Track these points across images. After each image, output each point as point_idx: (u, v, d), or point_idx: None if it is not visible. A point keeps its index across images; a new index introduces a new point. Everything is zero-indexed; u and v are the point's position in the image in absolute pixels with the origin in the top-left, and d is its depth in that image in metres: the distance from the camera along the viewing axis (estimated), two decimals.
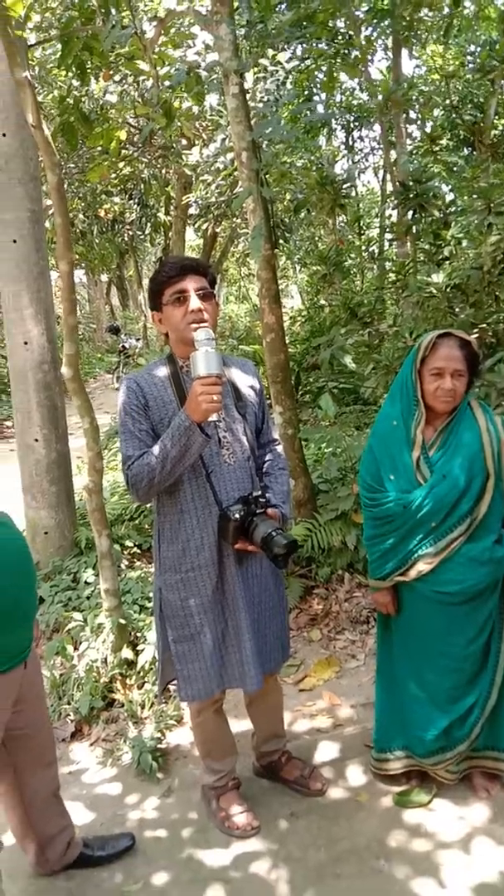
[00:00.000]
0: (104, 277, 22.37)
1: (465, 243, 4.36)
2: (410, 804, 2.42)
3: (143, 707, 2.99)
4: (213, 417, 1.91)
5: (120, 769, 2.75)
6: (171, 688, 2.56)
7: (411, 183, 4.71)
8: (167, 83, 4.94)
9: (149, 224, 9.38)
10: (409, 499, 2.24)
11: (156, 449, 1.96)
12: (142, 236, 10.00)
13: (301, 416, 6.24)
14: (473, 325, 3.97)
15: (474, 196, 4.35)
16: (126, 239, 10.88)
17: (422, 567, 2.25)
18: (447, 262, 4.38)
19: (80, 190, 9.04)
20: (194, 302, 2.01)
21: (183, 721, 2.97)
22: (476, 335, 3.94)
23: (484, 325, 3.96)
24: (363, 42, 7.21)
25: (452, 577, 2.22)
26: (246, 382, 2.21)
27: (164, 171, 8.30)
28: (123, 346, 15.65)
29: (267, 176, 4.83)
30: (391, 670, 2.48)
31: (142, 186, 8.42)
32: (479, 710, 2.33)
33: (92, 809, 2.52)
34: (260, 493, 2.07)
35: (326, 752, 2.75)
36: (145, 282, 13.17)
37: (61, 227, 2.74)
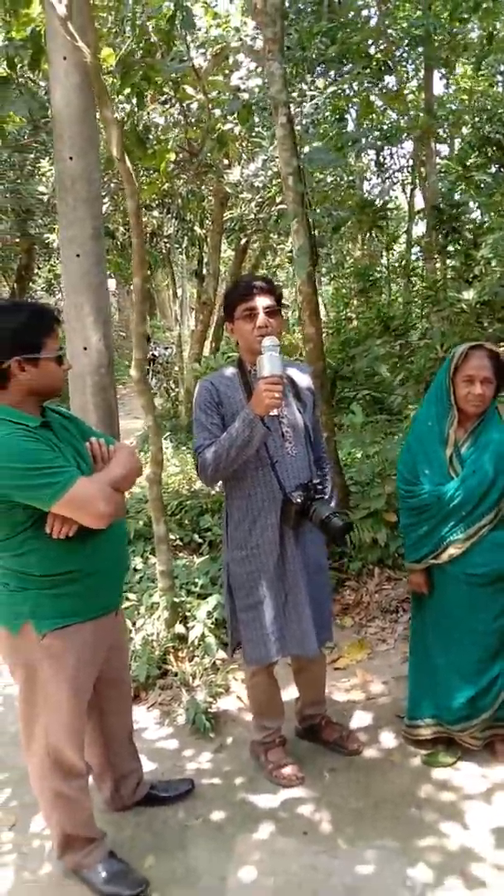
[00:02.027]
0: (132, 285, 22.87)
1: (493, 263, 4.67)
2: (438, 764, 2.72)
3: (193, 677, 3.32)
4: (274, 412, 2.25)
5: (176, 728, 3.08)
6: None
7: (443, 206, 5.04)
8: (218, 111, 5.32)
9: (185, 238, 9.74)
10: (443, 490, 2.55)
11: (224, 437, 2.30)
12: (179, 249, 10.38)
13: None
14: (500, 339, 4.28)
15: (502, 217, 4.67)
16: (164, 251, 11.29)
17: (453, 551, 2.56)
18: (476, 280, 4.70)
19: (122, 204, 9.45)
20: (261, 319, 2.35)
21: (231, 690, 3.29)
22: (503, 348, 4.25)
23: None
24: (397, 69, 7.58)
25: (480, 561, 2.53)
26: (304, 384, 2.55)
27: (201, 188, 8.67)
28: (153, 355, 15.92)
29: (310, 198, 5.19)
30: (424, 646, 2.78)
31: (179, 202, 8.79)
32: (501, 680, 2.63)
33: (153, 761, 2.84)
34: (318, 480, 2.40)
35: (361, 719, 3.06)
36: (180, 291, 13.55)
37: (137, 247, 3.11)
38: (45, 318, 2.01)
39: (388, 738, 2.91)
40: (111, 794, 2.50)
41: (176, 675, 3.32)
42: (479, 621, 2.58)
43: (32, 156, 10.52)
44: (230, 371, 2.48)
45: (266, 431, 2.27)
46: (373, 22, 7.67)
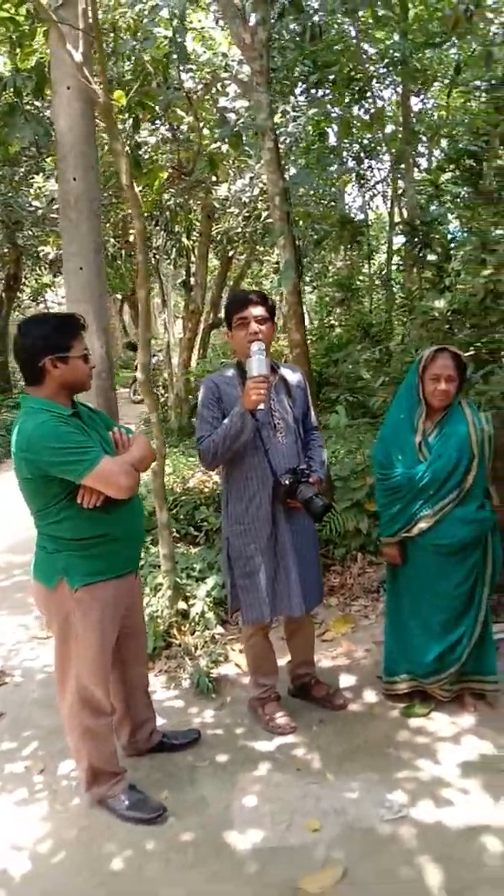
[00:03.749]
0: (118, 296, 23.22)
1: (462, 275, 5.09)
2: (414, 714, 3.11)
3: (195, 648, 3.68)
4: (262, 407, 2.64)
5: (181, 691, 3.45)
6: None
7: (416, 221, 5.47)
8: (206, 131, 5.72)
9: (174, 249, 10.14)
10: (413, 473, 2.95)
11: (220, 429, 2.70)
12: (167, 260, 10.77)
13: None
14: (469, 344, 4.70)
15: (473, 235, 5.11)
16: (152, 262, 11.66)
17: (422, 525, 2.96)
18: (448, 291, 5.12)
19: (113, 218, 9.84)
20: (253, 326, 2.75)
21: (229, 658, 3.67)
22: (472, 353, 4.67)
23: (479, 344, 4.69)
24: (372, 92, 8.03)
25: (446, 533, 2.93)
26: (294, 381, 2.94)
27: (189, 201, 9.07)
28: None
29: (294, 216, 5.59)
30: (398, 611, 3.17)
31: (168, 214, 9.19)
32: (466, 639, 3.02)
33: (162, 717, 3.19)
34: (305, 465, 2.80)
35: (346, 680, 3.45)
36: (168, 301, 13.89)
37: (142, 263, 3.50)
38: (72, 324, 2.41)
39: (370, 695, 3.30)
40: (128, 741, 2.86)
41: (180, 646, 3.69)
42: (445, 586, 2.98)
43: (23, 170, 10.85)
44: (230, 372, 2.88)
45: (254, 423, 2.67)
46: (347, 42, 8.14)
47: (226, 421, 2.69)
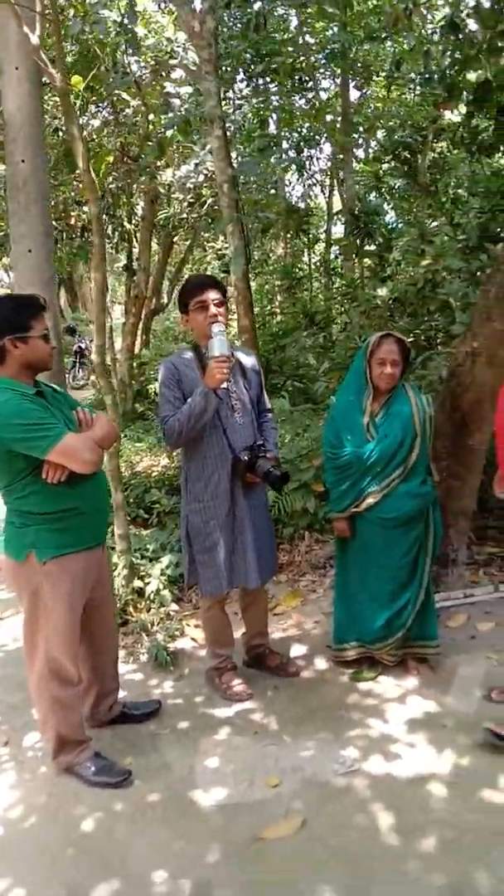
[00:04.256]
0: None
1: (402, 264, 5.31)
2: (362, 679, 3.31)
3: (152, 624, 3.79)
4: (224, 385, 2.76)
5: (140, 664, 3.56)
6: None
7: (357, 212, 5.66)
8: (152, 116, 5.74)
9: (116, 233, 10.09)
10: (361, 451, 3.13)
11: (184, 408, 2.81)
12: (109, 244, 10.69)
13: None
14: (409, 331, 4.93)
15: (411, 226, 5.33)
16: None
17: (370, 501, 3.14)
18: (389, 280, 5.34)
19: (53, 200, 9.70)
20: (212, 309, 2.86)
21: (185, 633, 3.79)
22: (411, 339, 4.90)
23: (418, 331, 4.92)
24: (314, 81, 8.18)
25: (392, 507, 3.12)
26: (249, 364, 3.07)
27: (132, 186, 9.03)
28: (80, 347, 15.84)
29: (242, 204, 5.70)
30: (346, 582, 3.36)
31: (110, 198, 9.13)
32: (411, 605, 3.23)
33: (123, 689, 3.28)
34: (261, 442, 2.94)
35: (297, 650, 3.62)
36: (108, 285, 13.77)
37: (98, 247, 3.54)
38: (31, 305, 2.49)
39: (321, 663, 3.48)
40: (90, 711, 2.95)
41: (136, 622, 3.79)
42: (391, 557, 3.18)
43: None
44: (188, 354, 2.98)
45: (218, 401, 2.80)
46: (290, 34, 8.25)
47: (189, 399, 2.80)
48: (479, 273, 4.77)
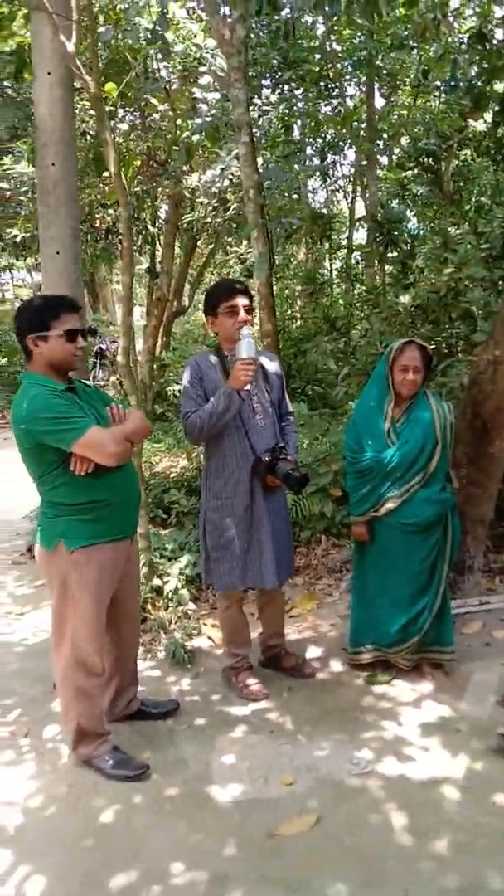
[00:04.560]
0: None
1: (425, 272, 5.33)
2: (377, 682, 3.34)
3: (170, 622, 3.84)
4: (248, 387, 2.82)
5: (157, 661, 3.61)
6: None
7: (380, 218, 5.70)
8: (179, 121, 5.81)
9: (139, 236, 10.19)
10: (382, 456, 3.17)
11: (207, 406, 2.87)
12: (134, 246, 10.81)
13: None
14: (430, 338, 4.95)
15: (434, 235, 5.36)
16: (117, 248, 11.67)
17: (390, 505, 3.17)
18: (412, 287, 5.36)
19: (80, 202, 9.83)
20: (242, 315, 2.92)
21: (202, 632, 3.84)
22: (433, 346, 4.92)
23: (439, 339, 4.94)
24: (342, 88, 8.23)
25: (411, 512, 3.15)
26: (272, 369, 3.13)
27: (156, 189, 9.12)
28: (100, 348, 15.92)
29: (267, 209, 5.76)
30: (364, 586, 3.39)
31: (135, 201, 9.23)
32: (428, 611, 3.25)
33: (141, 686, 3.34)
34: (282, 444, 2.98)
35: (313, 651, 3.66)
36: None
37: (127, 250, 3.61)
38: (54, 306, 2.57)
39: (336, 665, 3.52)
40: (109, 705, 3.00)
41: (154, 620, 3.84)
42: (410, 562, 3.21)
43: None
44: (212, 357, 3.04)
45: (240, 402, 2.86)
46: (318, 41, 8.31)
47: (212, 399, 2.86)
48: (501, 282, 4.80)
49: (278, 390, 3.17)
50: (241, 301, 2.91)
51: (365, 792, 2.61)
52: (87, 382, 2.79)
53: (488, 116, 7.06)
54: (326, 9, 3.83)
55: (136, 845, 2.40)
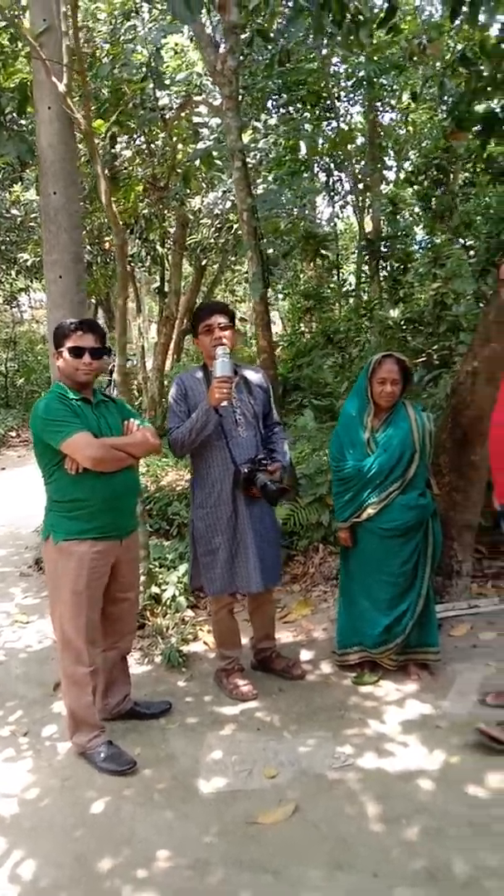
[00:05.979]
0: (91, 300, 23.41)
1: (416, 287, 5.49)
2: (363, 682, 3.46)
3: (167, 629, 4.00)
4: (225, 404, 2.99)
5: (154, 665, 3.76)
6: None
7: (374, 238, 5.87)
8: (181, 146, 6.05)
9: (148, 257, 10.46)
10: (362, 465, 3.32)
11: (188, 422, 3.06)
12: (142, 267, 11.09)
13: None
14: (422, 350, 5.10)
15: (428, 250, 5.52)
16: (129, 269, 11.99)
17: (370, 511, 3.32)
18: (403, 302, 5.52)
19: (89, 226, 10.14)
20: (217, 333, 3.10)
21: (198, 638, 3.99)
22: (423, 359, 5.07)
23: (429, 351, 5.08)
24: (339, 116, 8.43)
25: (391, 518, 3.30)
26: (256, 381, 3.30)
27: (164, 211, 9.38)
28: (114, 366, 16.22)
29: (262, 230, 5.96)
30: (349, 589, 3.53)
31: (143, 223, 9.50)
32: (410, 613, 3.38)
33: (137, 688, 3.50)
34: (263, 456, 3.15)
35: (304, 654, 3.79)
36: (141, 307, 14.18)
37: (121, 274, 3.82)
38: (66, 326, 2.87)
39: (326, 667, 3.65)
40: (101, 703, 3.15)
41: (152, 626, 4.00)
42: (390, 566, 3.34)
43: (1, 175, 11.09)
44: (199, 373, 3.22)
45: (218, 418, 3.03)
46: (317, 63, 8.55)
47: (192, 415, 3.05)
48: (485, 298, 4.93)
49: (263, 403, 3.33)
50: (218, 320, 3.10)
51: (343, 784, 2.73)
52: (111, 397, 3.09)
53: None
54: (311, 41, 4.01)
55: (125, 833, 2.55)
